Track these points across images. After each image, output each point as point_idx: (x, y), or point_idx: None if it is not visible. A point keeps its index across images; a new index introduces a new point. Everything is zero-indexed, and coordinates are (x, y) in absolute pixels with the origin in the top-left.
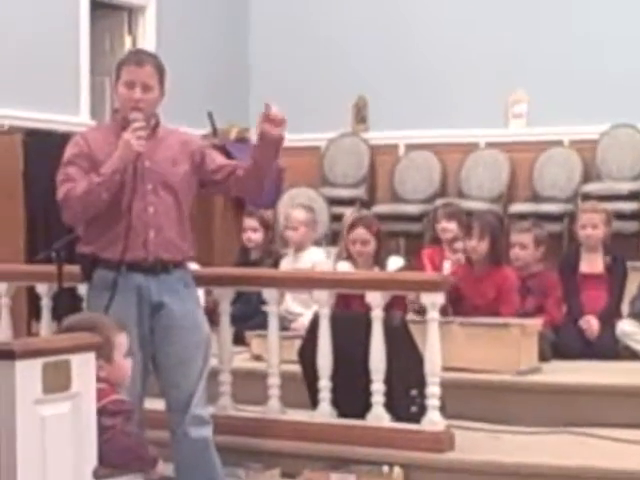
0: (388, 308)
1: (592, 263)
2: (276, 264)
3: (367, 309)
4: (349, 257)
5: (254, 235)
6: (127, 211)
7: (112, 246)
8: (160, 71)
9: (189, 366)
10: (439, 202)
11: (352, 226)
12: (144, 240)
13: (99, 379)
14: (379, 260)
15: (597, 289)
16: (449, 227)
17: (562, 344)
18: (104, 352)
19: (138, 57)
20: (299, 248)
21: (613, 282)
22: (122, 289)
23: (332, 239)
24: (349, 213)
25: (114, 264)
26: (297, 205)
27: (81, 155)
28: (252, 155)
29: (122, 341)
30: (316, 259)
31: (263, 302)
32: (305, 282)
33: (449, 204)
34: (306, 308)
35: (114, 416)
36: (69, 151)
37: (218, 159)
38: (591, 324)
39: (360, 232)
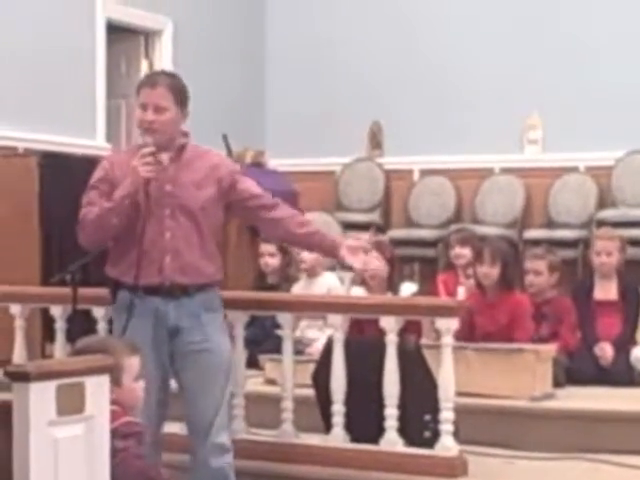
0: (402, 333)
1: (606, 290)
2: (289, 289)
3: (381, 333)
4: (363, 282)
5: (271, 260)
6: (141, 236)
7: (129, 270)
8: (176, 91)
9: (207, 391)
10: (453, 227)
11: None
12: (159, 265)
13: (111, 401)
14: (392, 286)
15: (611, 316)
16: (462, 253)
17: (576, 370)
18: (112, 375)
19: (151, 79)
20: (312, 273)
21: (627, 309)
22: (140, 312)
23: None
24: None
25: (132, 287)
26: None
27: (104, 179)
28: (313, 238)
29: (133, 364)
30: (331, 284)
31: (277, 326)
32: (319, 306)
33: (462, 229)
34: (321, 333)
35: (126, 438)
36: (95, 174)
37: (252, 188)
38: (605, 351)
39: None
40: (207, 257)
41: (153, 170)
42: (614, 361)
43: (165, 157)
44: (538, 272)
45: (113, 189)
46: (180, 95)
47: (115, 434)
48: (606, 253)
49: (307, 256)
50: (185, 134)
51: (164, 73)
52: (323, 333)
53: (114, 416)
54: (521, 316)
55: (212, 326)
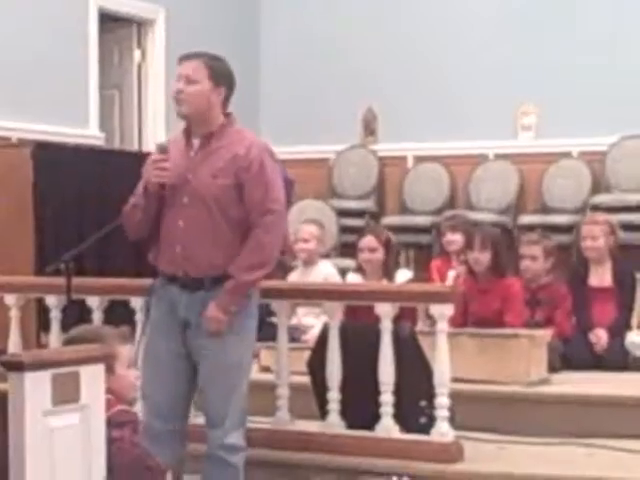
0: (397, 319)
1: (600, 276)
2: (285, 277)
3: (376, 320)
4: (359, 269)
5: None
6: (160, 223)
7: (154, 256)
8: (212, 68)
9: (211, 388)
10: (447, 213)
11: (361, 234)
12: (172, 254)
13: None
14: (388, 272)
15: (606, 302)
16: (454, 239)
17: (571, 355)
18: (106, 363)
19: (190, 53)
20: (308, 262)
21: (622, 294)
22: (161, 299)
23: (341, 250)
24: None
25: (160, 273)
26: (308, 220)
27: (146, 166)
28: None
29: (124, 352)
30: (327, 272)
31: (271, 313)
32: (314, 294)
33: (453, 216)
34: (318, 320)
35: (121, 427)
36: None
37: (255, 204)
38: (600, 337)
39: (368, 239)
40: (219, 249)
41: (164, 175)
42: (609, 346)
43: (196, 143)
44: (534, 257)
45: None
46: (216, 73)
47: (109, 423)
48: (591, 237)
49: (305, 246)
50: (227, 115)
51: (207, 53)
52: (320, 320)
53: (108, 405)
54: (512, 299)
55: None
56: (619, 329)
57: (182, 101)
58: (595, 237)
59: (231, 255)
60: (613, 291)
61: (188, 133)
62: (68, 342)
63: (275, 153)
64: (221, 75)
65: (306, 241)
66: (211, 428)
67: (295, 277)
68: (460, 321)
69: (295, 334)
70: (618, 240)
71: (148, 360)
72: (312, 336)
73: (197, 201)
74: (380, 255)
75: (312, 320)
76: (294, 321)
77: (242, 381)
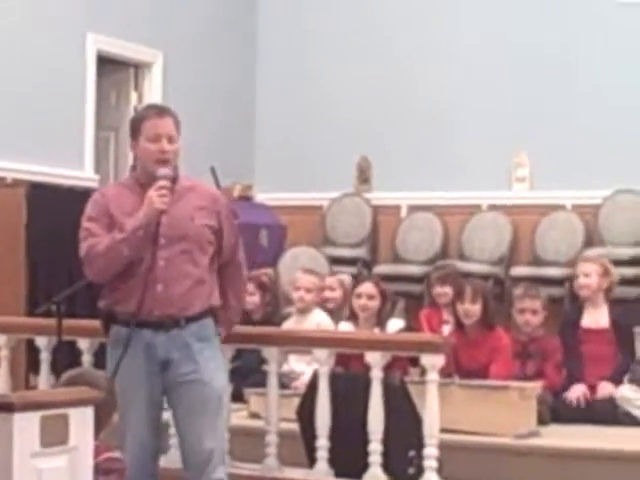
0: (387, 368)
1: (595, 318)
2: (280, 324)
3: (366, 369)
4: (352, 317)
5: (250, 298)
6: (138, 266)
7: (124, 301)
8: (178, 123)
9: (199, 423)
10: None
11: (360, 281)
12: (153, 294)
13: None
14: (381, 321)
15: (600, 344)
16: (444, 291)
17: (561, 408)
18: (109, 411)
19: (159, 109)
20: (305, 310)
21: (621, 340)
22: (132, 346)
23: None
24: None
25: (126, 320)
26: (307, 270)
27: (101, 211)
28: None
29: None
30: (320, 320)
31: (263, 360)
32: (305, 341)
33: (442, 267)
34: (308, 367)
35: (107, 475)
36: (88, 208)
37: (231, 238)
38: (576, 392)
39: (367, 286)
40: (199, 287)
41: (167, 202)
42: (599, 400)
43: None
44: (535, 311)
45: (111, 221)
46: (180, 127)
47: (97, 470)
48: (583, 274)
49: (307, 297)
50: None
51: (163, 105)
52: (310, 367)
53: (96, 451)
54: (500, 351)
55: (203, 356)
56: (620, 377)
57: (169, 161)
58: (587, 274)
59: (207, 292)
60: (609, 333)
61: (141, 183)
62: (67, 384)
63: None
64: (180, 128)
65: (308, 291)
66: (194, 465)
67: (290, 325)
68: (448, 371)
69: (284, 380)
70: (614, 284)
71: (127, 411)
72: (302, 383)
73: (175, 241)
74: (377, 303)
75: (303, 367)
76: (285, 368)
77: (223, 412)
